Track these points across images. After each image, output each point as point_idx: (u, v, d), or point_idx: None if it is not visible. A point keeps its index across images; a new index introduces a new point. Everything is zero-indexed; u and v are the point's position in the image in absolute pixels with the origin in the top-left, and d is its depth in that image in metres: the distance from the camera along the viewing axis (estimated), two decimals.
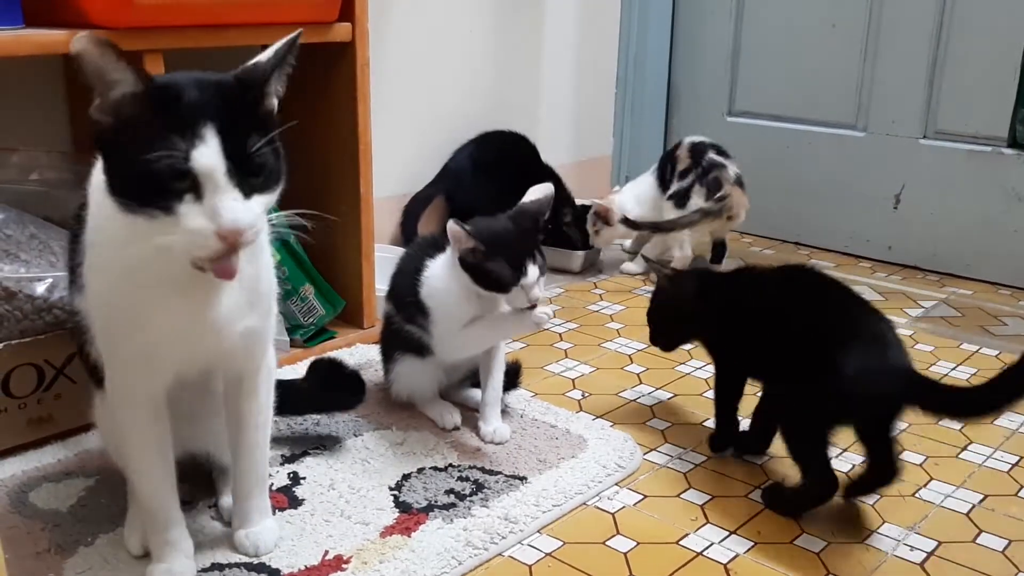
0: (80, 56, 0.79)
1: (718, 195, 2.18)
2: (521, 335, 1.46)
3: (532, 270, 1.32)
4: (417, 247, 1.49)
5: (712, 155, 2.24)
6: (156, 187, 0.81)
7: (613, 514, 1.28)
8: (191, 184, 0.81)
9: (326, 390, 1.43)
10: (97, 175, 0.91)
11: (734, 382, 1.41)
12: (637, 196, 2.34)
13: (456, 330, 1.39)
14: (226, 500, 1.22)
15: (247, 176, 0.84)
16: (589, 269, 2.40)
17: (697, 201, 2.18)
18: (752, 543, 1.21)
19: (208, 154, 0.81)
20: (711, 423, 1.46)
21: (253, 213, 0.84)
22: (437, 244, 1.44)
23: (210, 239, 0.82)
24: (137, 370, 0.99)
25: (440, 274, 1.40)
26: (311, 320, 1.76)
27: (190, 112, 0.82)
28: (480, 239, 1.31)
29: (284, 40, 0.90)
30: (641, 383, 1.72)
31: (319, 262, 1.78)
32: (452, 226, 1.31)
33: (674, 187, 2.23)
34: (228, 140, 0.82)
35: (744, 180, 2.24)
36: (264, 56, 0.90)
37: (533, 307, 1.34)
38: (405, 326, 1.46)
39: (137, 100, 0.81)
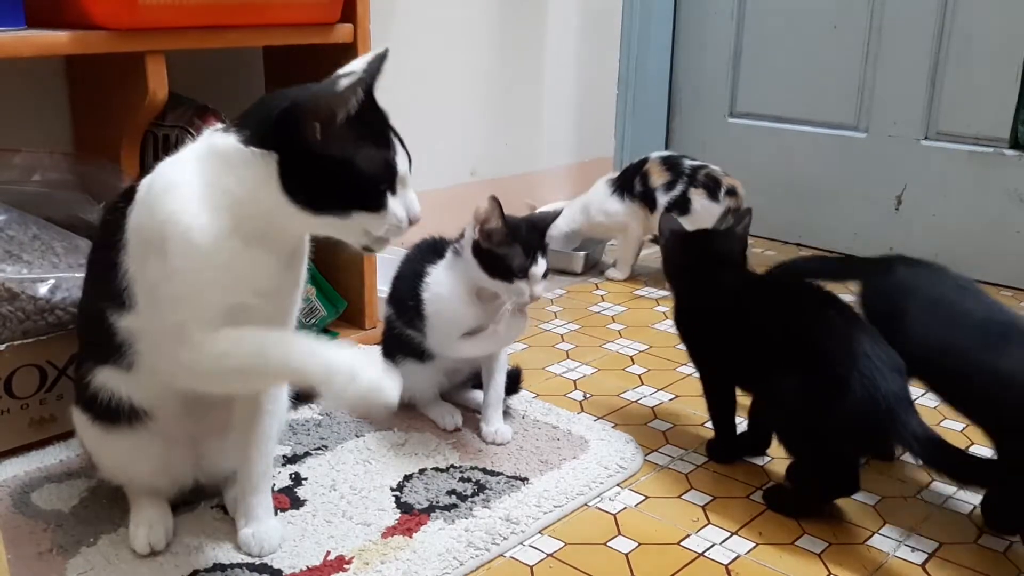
0: (331, 97, 0.92)
1: (728, 188, 2.20)
2: (508, 343, 1.46)
3: (542, 261, 1.34)
4: (418, 251, 1.49)
5: (688, 161, 2.26)
6: (369, 191, 0.95)
7: (614, 515, 1.28)
8: (391, 184, 0.97)
9: None
10: (186, 170, 0.98)
11: (722, 390, 1.41)
12: (604, 210, 2.31)
13: (453, 336, 1.39)
14: (231, 494, 1.22)
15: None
16: (591, 270, 2.41)
17: (700, 202, 2.18)
18: (753, 544, 1.21)
19: (403, 160, 0.99)
20: (712, 424, 1.46)
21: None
22: (438, 249, 1.44)
23: (404, 224, 0.99)
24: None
25: (442, 279, 1.40)
26: (313, 321, 1.76)
27: (384, 126, 0.98)
28: (503, 223, 1.32)
29: (373, 54, 1.03)
30: (643, 384, 1.72)
31: (320, 263, 1.77)
32: (488, 201, 1.31)
33: (663, 199, 2.22)
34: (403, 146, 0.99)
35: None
36: (358, 66, 1.01)
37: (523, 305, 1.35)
38: (406, 330, 1.46)
39: (345, 126, 0.93)
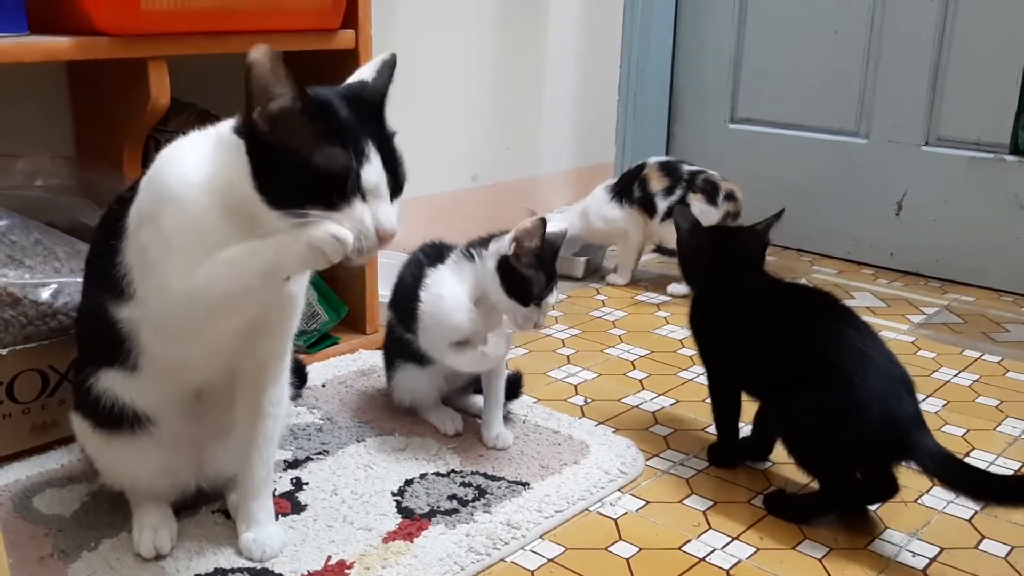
0: (252, 65, 0.88)
1: (727, 192, 2.20)
2: (492, 365, 1.46)
3: (556, 292, 1.36)
4: (419, 255, 1.49)
5: (686, 166, 2.28)
6: (325, 192, 0.91)
7: (615, 520, 1.28)
8: (351, 187, 0.92)
9: None
10: (181, 164, 0.99)
11: (729, 394, 1.41)
12: (603, 216, 2.32)
13: (445, 340, 1.39)
14: (234, 497, 1.22)
15: (394, 189, 0.96)
16: (592, 275, 2.41)
17: (698, 207, 2.19)
18: (754, 549, 1.21)
19: (375, 171, 0.93)
20: (713, 429, 1.46)
21: (396, 218, 0.96)
22: (439, 253, 1.44)
23: (371, 236, 0.93)
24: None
25: (443, 282, 1.39)
26: (314, 326, 1.76)
27: (353, 129, 0.93)
28: (541, 246, 1.33)
29: (381, 60, 1.03)
30: (643, 389, 1.72)
31: None
32: (535, 221, 1.31)
33: (663, 204, 2.23)
34: (384, 157, 0.95)
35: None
36: (367, 75, 1.02)
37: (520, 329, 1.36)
38: (405, 334, 1.46)
39: (295, 115, 0.91)
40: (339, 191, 0.91)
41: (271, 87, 0.89)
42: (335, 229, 0.91)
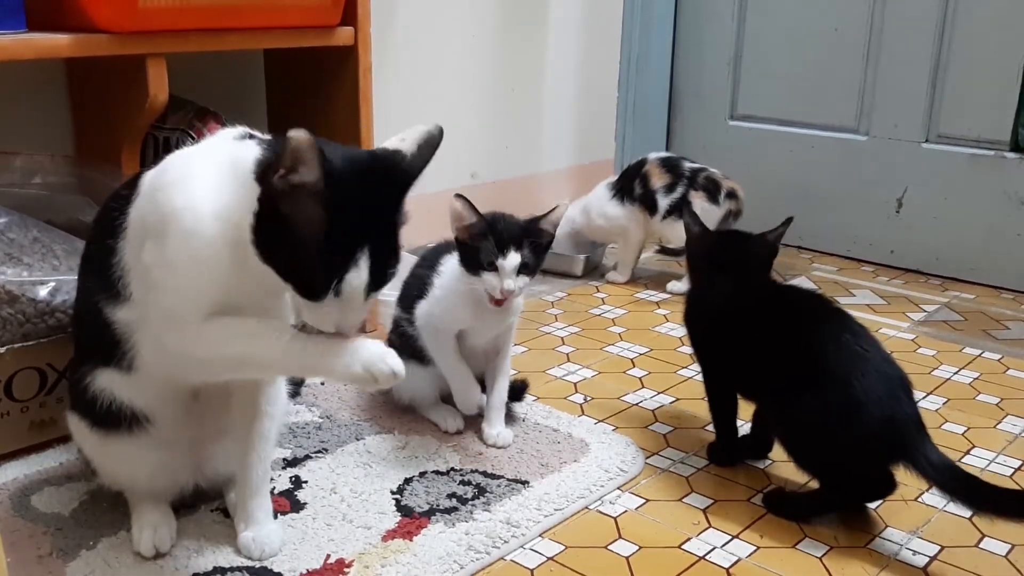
0: (291, 139, 0.87)
1: (728, 190, 2.20)
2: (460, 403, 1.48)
3: (512, 256, 1.31)
4: (434, 252, 1.49)
5: (687, 163, 2.27)
6: (305, 281, 0.94)
7: (615, 518, 1.27)
8: (327, 283, 0.93)
9: None
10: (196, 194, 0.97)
11: (725, 394, 1.40)
12: (604, 214, 2.32)
13: (443, 321, 1.41)
14: (232, 496, 1.22)
15: (374, 290, 0.96)
16: (591, 273, 2.40)
17: (700, 205, 2.18)
18: (754, 547, 1.21)
19: (358, 279, 0.93)
20: (713, 427, 1.46)
21: (363, 315, 0.99)
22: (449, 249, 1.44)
23: (330, 328, 0.96)
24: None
25: (453, 269, 1.40)
26: None
27: (353, 231, 0.92)
28: (479, 216, 1.32)
29: (427, 134, 1.02)
30: (643, 387, 1.72)
31: None
32: (456, 200, 1.32)
33: (664, 201, 2.22)
34: (375, 264, 0.94)
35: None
36: (408, 146, 1.00)
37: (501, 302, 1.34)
38: (409, 329, 1.46)
39: (312, 194, 0.89)
40: (318, 288, 0.93)
41: (300, 163, 0.88)
42: (394, 363, 0.96)
